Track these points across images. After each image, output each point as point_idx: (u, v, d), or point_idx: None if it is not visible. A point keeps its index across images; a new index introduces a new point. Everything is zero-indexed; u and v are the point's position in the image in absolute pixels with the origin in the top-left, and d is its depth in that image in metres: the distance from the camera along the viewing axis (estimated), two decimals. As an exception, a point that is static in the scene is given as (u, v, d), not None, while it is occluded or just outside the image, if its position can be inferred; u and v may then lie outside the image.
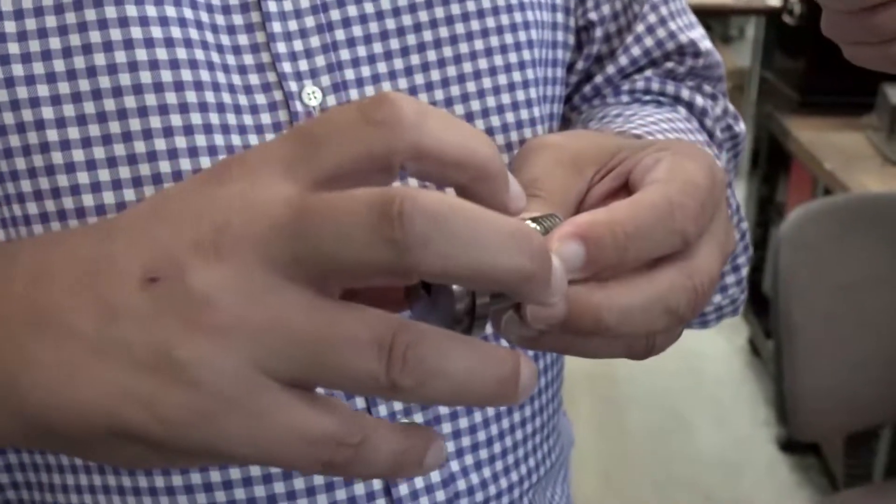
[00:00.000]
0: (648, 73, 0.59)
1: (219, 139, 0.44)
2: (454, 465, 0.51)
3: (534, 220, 0.35)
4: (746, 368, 2.56)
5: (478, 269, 0.28)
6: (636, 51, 0.58)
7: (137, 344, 0.29)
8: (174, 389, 0.28)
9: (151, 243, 0.29)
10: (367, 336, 0.28)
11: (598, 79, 0.58)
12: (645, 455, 2.22)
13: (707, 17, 3.85)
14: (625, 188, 0.40)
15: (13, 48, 0.42)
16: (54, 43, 0.42)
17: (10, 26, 0.42)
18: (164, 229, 0.29)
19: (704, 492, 2.10)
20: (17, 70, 0.42)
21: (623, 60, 0.58)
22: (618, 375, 2.53)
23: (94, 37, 0.43)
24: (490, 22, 0.51)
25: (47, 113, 0.42)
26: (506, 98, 0.51)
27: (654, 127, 0.51)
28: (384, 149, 0.28)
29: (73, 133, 0.43)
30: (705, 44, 0.60)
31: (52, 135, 0.43)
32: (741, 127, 0.63)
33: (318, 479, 0.48)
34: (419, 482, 0.49)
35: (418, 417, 0.50)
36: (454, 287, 0.30)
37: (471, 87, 0.50)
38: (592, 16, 0.57)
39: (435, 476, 0.50)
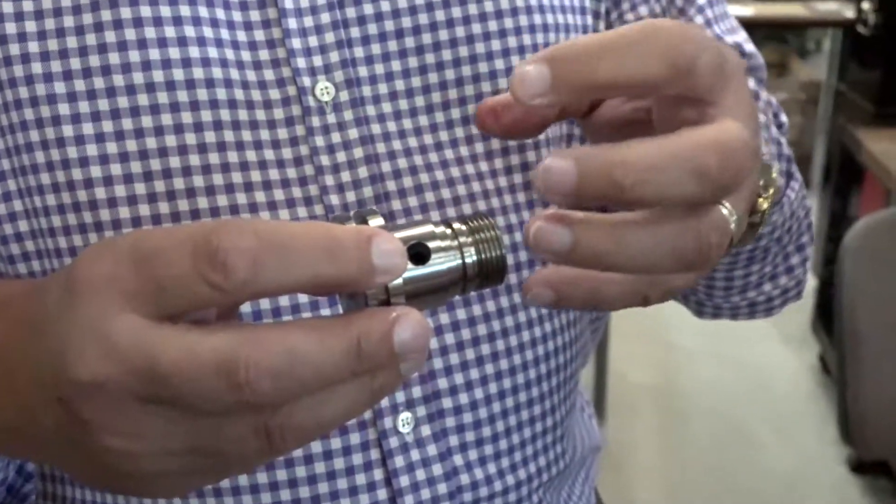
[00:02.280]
0: None
1: (228, 135, 0.46)
2: (458, 460, 0.51)
3: (461, 220, 0.35)
4: (816, 386, 2.50)
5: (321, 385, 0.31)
6: None
7: (82, 448, 0.33)
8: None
9: (42, 367, 0.33)
10: (247, 430, 0.31)
11: None
12: (708, 470, 2.18)
13: (784, 30, 3.78)
14: None
15: (33, 47, 0.44)
16: (71, 42, 0.44)
17: (31, 26, 0.44)
18: (46, 360, 0.32)
19: (768, 509, 2.06)
20: (37, 68, 0.44)
21: None
22: (681, 388, 2.49)
23: (110, 36, 0.45)
24: (508, 23, 0.51)
25: (63, 109, 0.45)
26: None
27: None
28: (223, 303, 0.30)
29: (88, 129, 0.45)
30: (749, 46, 0.59)
31: (68, 130, 0.45)
32: (784, 118, 0.62)
33: (320, 468, 0.49)
34: (421, 474, 0.50)
35: (421, 411, 0.50)
36: (368, 297, 0.32)
37: (485, 87, 0.51)
38: (629, 17, 0.56)
39: (437, 469, 0.50)
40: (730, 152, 0.32)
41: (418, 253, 0.33)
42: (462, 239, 0.34)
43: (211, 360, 0.29)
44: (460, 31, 0.50)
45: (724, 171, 0.32)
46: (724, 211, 0.34)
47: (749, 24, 2.86)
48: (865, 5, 2.37)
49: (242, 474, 0.40)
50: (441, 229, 0.34)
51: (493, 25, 0.51)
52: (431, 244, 0.33)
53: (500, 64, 0.51)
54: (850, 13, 2.63)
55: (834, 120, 2.52)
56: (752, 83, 0.60)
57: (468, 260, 0.34)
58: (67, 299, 0.31)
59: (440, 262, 0.33)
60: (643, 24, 0.33)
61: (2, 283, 0.44)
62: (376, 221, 0.33)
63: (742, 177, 0.33)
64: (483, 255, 0.34)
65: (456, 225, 0.34)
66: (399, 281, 0.32)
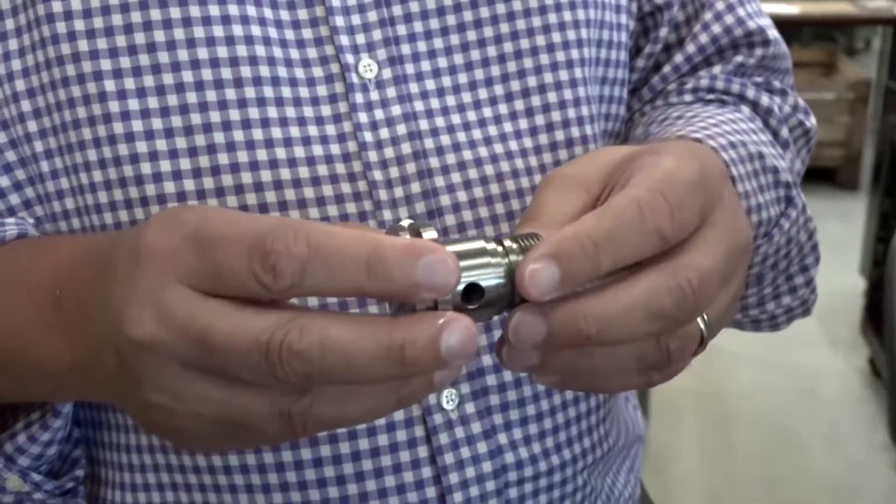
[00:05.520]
0: (715, 70, 0.58)
1: (272, 111, 0.46)
2: (502, 438, 0.51)
3: (512, 239, 0.35)
4: (866, 390, 2.45)
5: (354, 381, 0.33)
6: (703, 38, 0.58)
7: (132, 395, 0.36)
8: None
9: (107, 322, 0.36)
10: (271, 411, 0.34)
11: (666, 68, 0.58)
12: (753, 476, 2.15)
13: (831, 29, 3.73)
14: None
15: (79, 24, 0.45)
16: (116, 20, 0.45)
17: (76, 3, 0.45)
18: (110, 312, 0.35)
19: (816, 516, 2.02)
20: (83, 45, 0.45)
21: (690, 48, 0.58)
22: (726, 394, 2.46)
23: (155, 14, 0.45)
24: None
25: (113, 107, 0.45)
26: (563, 75, 0.52)
27: (716, 129, 0.50)
28: (267, 298, 0.33)
29: (133, 105, 0.46)
30: (773, 32, 0.60)
31: (114, 106, 0.46)
32: (812, 122, 0.62)
33: (364, 445, 0.48)
34: (465, 452, 0.49)
35: (465, 388, 0.50)
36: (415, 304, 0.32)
37: (528, 63, 0.51)
38: (659, 0, 0.57)
39: (482, 447, 0.50)
40: (687, 293, 0.35)
41: (471, 286, 0.33)
42: (512, 258, 0.34)
43: (257, 336, 0.31)
44: (501, 8, 0.51)
45: (679, 310, 0.35)
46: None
47: (796, 23, 2.82)
48: (916, 2, 2.33)
49: (271, 444, 0.45)
50: (492, 246, 0.34)
51: (533, 2, 0.51)
52: (481, 260, 0.34)
53: (540, 40, 0.51)
54: (900, 10, 2.58)
55: (884, 119, 2.47)
56: (776, 83, 0.59)
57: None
58: (133, 262, 0.34)
59: (490, 279, 0.34)
60: (631, 204, 0.35)
61: (93, 234, 0.47)
62: (430, 234, 0.33)
63: (706, 306, 0.36)
64: None
65: (507, 242, 0.35)
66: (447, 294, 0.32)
